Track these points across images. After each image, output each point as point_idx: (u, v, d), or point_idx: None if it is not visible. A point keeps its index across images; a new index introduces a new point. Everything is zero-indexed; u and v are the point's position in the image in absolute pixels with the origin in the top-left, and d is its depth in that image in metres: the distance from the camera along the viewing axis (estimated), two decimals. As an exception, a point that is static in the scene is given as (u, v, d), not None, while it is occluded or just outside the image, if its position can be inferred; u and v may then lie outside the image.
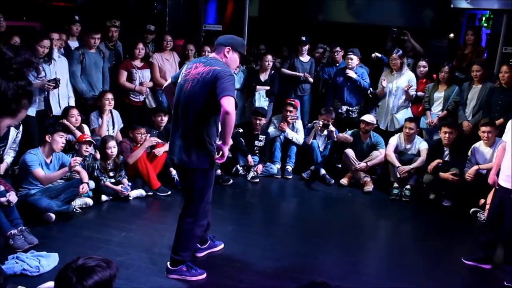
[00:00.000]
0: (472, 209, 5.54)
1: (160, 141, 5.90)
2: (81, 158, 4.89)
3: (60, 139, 4.81)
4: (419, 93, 6.71)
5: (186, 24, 8.53)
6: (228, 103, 3.28)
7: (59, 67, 5.68)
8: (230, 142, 3.61)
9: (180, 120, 3.56)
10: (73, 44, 6.41)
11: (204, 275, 3.81)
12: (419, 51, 7.16)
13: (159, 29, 7.54)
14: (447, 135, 5.84)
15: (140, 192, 5.53)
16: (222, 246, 4.33)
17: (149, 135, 5.86)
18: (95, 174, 5.34)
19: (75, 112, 5.59)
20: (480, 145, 5.78)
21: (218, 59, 3.59)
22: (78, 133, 5.50)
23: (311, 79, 7.22)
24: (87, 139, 5.30)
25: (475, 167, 5.61)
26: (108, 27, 6.48)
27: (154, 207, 5.49)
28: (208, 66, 3.49)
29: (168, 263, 3.79)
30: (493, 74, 6.35)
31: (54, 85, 5.42)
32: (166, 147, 5.86)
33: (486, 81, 6.20)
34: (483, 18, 9.76)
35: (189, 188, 3.67)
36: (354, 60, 6.83)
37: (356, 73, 6.86)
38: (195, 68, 3.56)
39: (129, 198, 5.41)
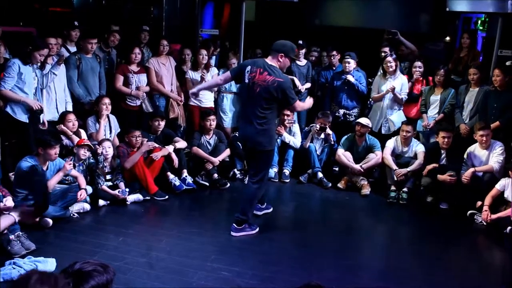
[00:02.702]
0: (469, 212, 5.54)
1: (157, 145, 5.88)
2: (72, 163, 4.90)
3: (53, 151, 4.72)
4: (415, 93, 6.72)
5: (182, 29, 8.54)
6: (295, 106, 4.65)
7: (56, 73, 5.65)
8: (305, 104, 5.04)
9: (251, 114, 4.53)
10: (72, 49, 6.39)
11: (258, 229, 4.79)
12: (412, 49, 7.11)
13: (155, 34, 7.55)
14: (445, 139, 5.85)
15: (137, 196, 5.52)
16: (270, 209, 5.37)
17: (146, 139, 5.85)
18: (95, 175, 5.33)
19: (72, 117, 5.58)
20: (475, 148, 5.81)
21: (275, 66, 4.47)
22: (76, 138, 5.50)
23: (307, 85, 7.24)
24: (85, 143, 5.30)
25: (471, 169, 5.64)
26: (111, 32, 6.53)
27: (152, 212, 5.48)
28: (272, 76, 4.40)
29: (234, 224, 4.67)
30: (489, 77, 6.37)
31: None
32: (163, 151, 5.87)
33: (483, 84, 6.23)
34: (479, 22, 9.79)
35: (260, 165, 4.69)
36: (351, 64, 6.83)
37: (353, 76, 6.88)
38: (260, 74, 4.43)
39: (127, 202, 5.40)
